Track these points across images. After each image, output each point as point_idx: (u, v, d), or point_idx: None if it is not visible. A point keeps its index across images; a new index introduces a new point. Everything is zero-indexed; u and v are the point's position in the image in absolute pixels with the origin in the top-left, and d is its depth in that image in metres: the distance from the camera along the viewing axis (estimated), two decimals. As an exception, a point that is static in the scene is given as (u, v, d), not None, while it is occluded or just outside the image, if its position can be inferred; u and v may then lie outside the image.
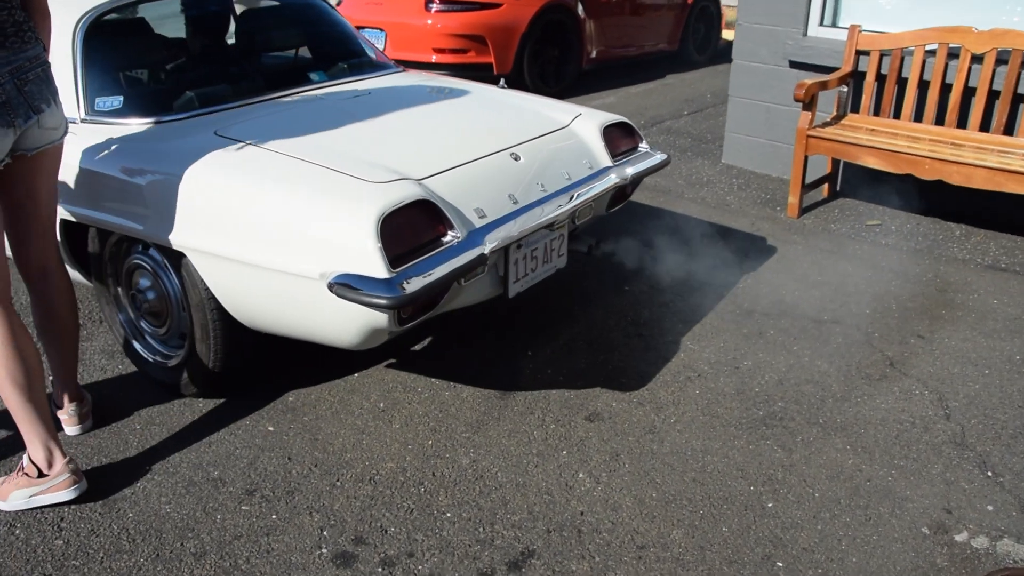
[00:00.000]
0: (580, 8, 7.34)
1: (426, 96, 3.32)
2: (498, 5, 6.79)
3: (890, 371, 3.13)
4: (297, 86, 3.30)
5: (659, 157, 3.38)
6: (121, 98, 2.96)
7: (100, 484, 2.59)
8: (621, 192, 3.34)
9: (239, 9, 3.65)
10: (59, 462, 2.48)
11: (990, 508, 2.48)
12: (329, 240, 2.33)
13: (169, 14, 3.58)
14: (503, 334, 3.41)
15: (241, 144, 2.67)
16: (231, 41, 3.55)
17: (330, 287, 2.29)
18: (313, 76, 3.38)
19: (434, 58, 6.83)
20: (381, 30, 6.99)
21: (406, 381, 3.11)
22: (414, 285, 2.26)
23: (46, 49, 2.40)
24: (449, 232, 2.48)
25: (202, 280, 2.66)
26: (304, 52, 3.75)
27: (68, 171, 2.82)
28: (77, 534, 2.40)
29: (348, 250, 2.30)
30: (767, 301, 3.67)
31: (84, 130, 2.92)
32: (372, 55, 3.78)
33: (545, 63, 7.31)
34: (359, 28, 7.08)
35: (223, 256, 2.53)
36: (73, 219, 2.88)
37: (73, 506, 2.50)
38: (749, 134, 5.46)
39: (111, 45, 3.07)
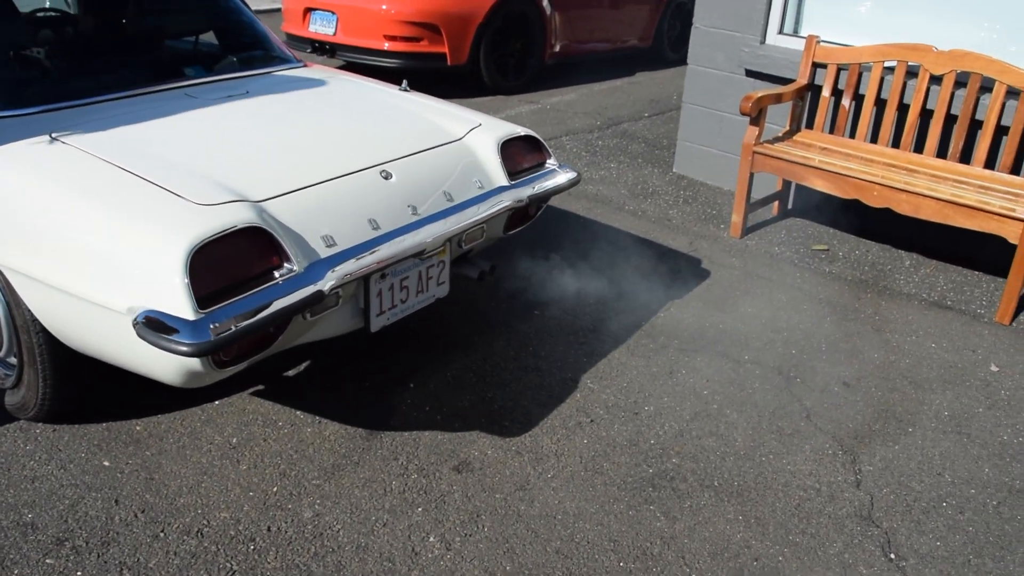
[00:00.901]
0: (545, 0, 6.99)
1: (308, 99, 3.00)
2: (455, -8, 6.46)
3: (804, 424, 2.85)
4: (170, 81, 2.98)
5: (566, 176, 3.07)
6: (-43, 88, 2.65)
7: None
8: (523, 213, 3.04)
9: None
10: None
11: (885, 600, 2.20)
12: (136, 270, 2.03)
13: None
14: (388, 361, 3.11)
15: (69, 149, 2.36)
16: (113, 25, 3.23)
17: (133, 325, 1.99)
18: (189, 71, 3.06)
19: (386, 45, 6.50)
20: (332, 13, 6.65)
21: (268, 413, 2.82)
22: (224, 329, 1.96)
23: None
24: (285, 264, 2.18)
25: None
26: (191, 42, 3.42)
27: None
28: None
29: (154, 284, 2.00)
30: (686, 335, 3.37)
31: (-87, 121, 2.61)
32: (270, 48, 3.46)
33: (505, 56, 6.98)
34: (311, 10, 6.76)
35: (35, 278, 2.23)
36: None
37: None
38: (702, 144, 5.15)
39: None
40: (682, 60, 8.51)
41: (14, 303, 2.43)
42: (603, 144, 5.83)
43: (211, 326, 1.94)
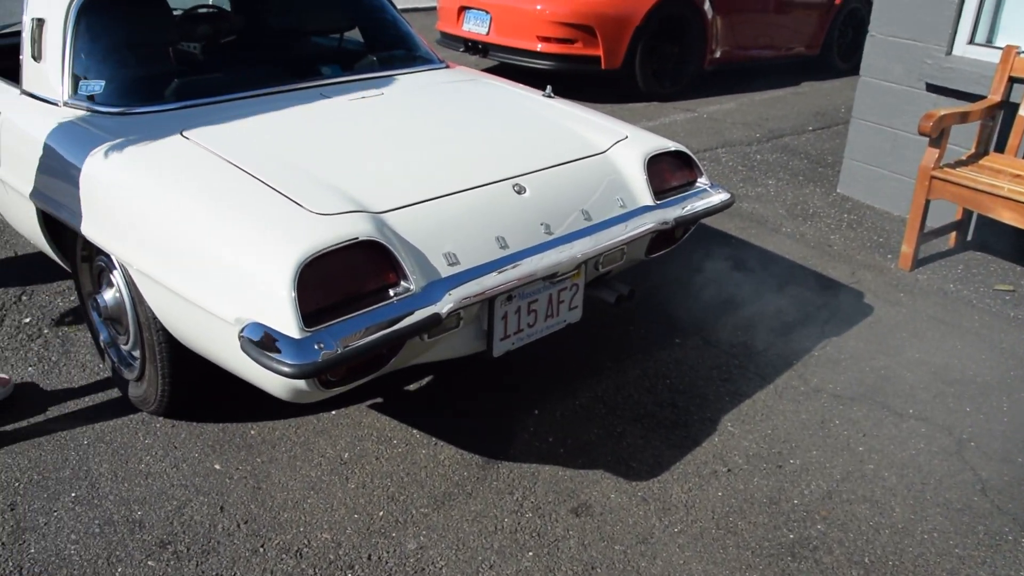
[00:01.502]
0: (707, 3, 6.65)
1: (444, 103, 2.86)
2: (613, -7, 6.23)
3: (978, 500, 2.48)
4: (307, 79, 2.90)
5: (718, 197, 2.81)
6: (102, 83, 2.65)
7: (19, 506, 2.32)
8: (668, 235, 2.79)
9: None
10: None
11: None
12: (245, 280, 1.93)
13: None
14: (513, 383, 2.93)
15: (195, 147, 2.30)
16: (254, 22, 3.19)
17: (239, 337, 1.88)
18: (326, 70, 2.96)
19: (539, 47, 6.34)
20: (486, 12, 6.55)
21: (383, 429, 2.69)
22: (330, 350, 1.82)
23: None
24: (401, 282, 2.02)
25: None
26: (333, 40, 3.35)
27: (42, 157, 2.56)
28: (-31, 567, 2.13)
29: (262, 296, 1.89)
30: (843, 379, 3.04)
31: (61, 115, 2.64)
32: (412, 47, 3.34)
33: (662, 60, 6.68)
34: (465, 9, 6.68)
35: (153, 277, 2.17)
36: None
37: (-23, 530, 2.24)
38: (871, 163, 4.73)
39: (108, 22, 2.77)
40: (853, 70, 7.94)
41: (138, 299, 2.39)
42: (762, 158, 5.47)
43: (316, 346, 1.80)
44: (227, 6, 3.54)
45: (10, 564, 2.14)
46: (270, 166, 2.22)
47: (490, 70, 7.43)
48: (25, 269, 3.64)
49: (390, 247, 2.01)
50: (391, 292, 2.00)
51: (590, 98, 6.67)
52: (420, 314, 1.96)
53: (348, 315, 1.90)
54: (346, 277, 1.95)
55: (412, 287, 2.01)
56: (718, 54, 6.97)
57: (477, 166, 2.40)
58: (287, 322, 1.83)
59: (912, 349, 3.25)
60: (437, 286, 2.04)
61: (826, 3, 7.60)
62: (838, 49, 7.97)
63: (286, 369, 1.77)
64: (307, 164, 2.26)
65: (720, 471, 2.55)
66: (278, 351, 1.80)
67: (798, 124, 6.30)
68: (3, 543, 2.21)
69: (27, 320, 3.23)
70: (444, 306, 2.00)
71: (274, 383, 2.00)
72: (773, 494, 2.47)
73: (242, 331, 1.87)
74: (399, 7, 10.53)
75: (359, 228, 1.99)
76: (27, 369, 2.93)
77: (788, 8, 7.32)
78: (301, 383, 1.92)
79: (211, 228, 2.03)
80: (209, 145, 2.32)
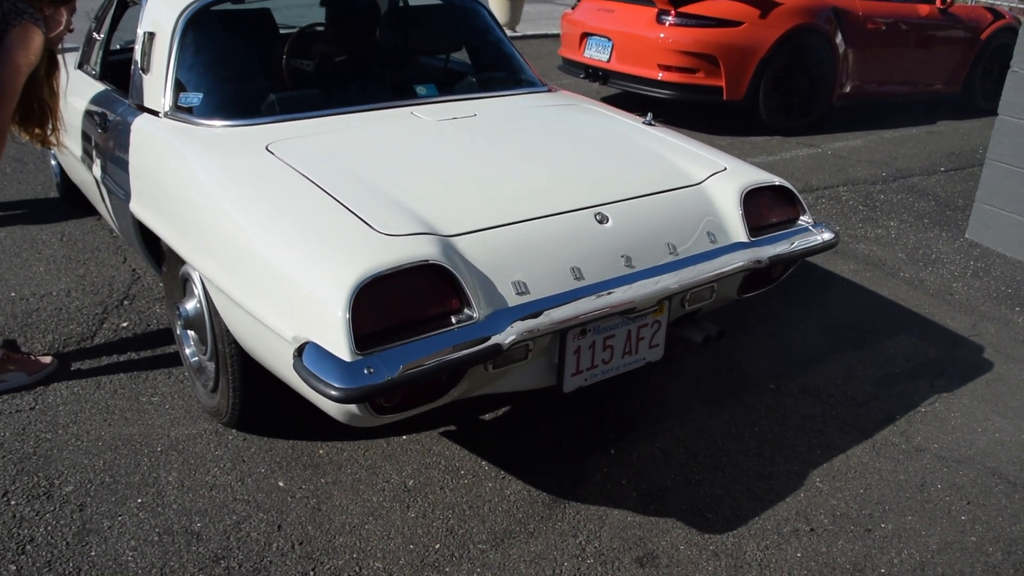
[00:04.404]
0: (839, 36, 6.38)
1: (537, 127, 2.79)
2: (738, 23, 6.03)
3: (1098, 588, 2.21)
4: (401, 99, 2.88)
5: (821, 237, 2.63)
6: (200, 95, 2.71)
7: (88, 507, 2.36)
8: (764, 274, 2.63)
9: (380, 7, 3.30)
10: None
11: None
12: (304, 299, 1.89)
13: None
14: (592, 420, 2.81)
15: (276, 162, 2.31)
16: (355, 42, 3.21)
17: (293, 356, 1.85)
18: (422, 90, 2.94)
19: (660, 75, 6.21)
20: (608, 39, 6.47)
21: (452, 458, 2.62)
22: (379, 376, 1.75)
23: None
24: (464, 309, 1.95)
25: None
26: (434, 60, 3.33)
27: (137, 165, 2.64)
28: (34, 562, 2.18)
29: (318, 316, 1.85)
30: (951, 439, 2.79)
31: (161, 125, 2.71)
32: (514, 70, 3.28)
33: (787, 93, 6.43)
34: (587, 35, 6.63)
35: (223, 289, 2.17)
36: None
37: (48, 528, 2.27)
38: (1006, 208, 4.39)
39: (211, 38, 2.84)
40: (996, 110, 7.49)
41: (213, 312, 2.40)
42: (885, 199, 5.17)
43: (365, 370, 1.75)
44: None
45: (71, 565, 2.17)
46: (345, 184, 2.20)
47: (611, 98, 7.35)
48: (131, 275, 3.76)
49: (455, 272, 1.94)
50: (453, 319, 1.93)
51: (710, 130, 6.49)
52: (479, 344, 1.88)
53: (404, 340, 1.83)
54: (406, 301, 1.89)
55: (475, 315, 1.93)
56: (848, 88, 6.67)
57: (559, 193, 2.31)
58: (339, 344, 1.78)
59: (1036, 414, 2.96)
60: (502, 315, 1.96)
61: (970, 39, 7.18)
62: (981, 87, 7.51)
63: (332, 392, 1.73)
64: (384, 183, 2.23)
65: (802, 530, 2.36)
66: (327, 373, 1.75)
67: (929, 164, 5.95)
68: (68, 543, 2.24)
69: (124, 324, 3.33)
70: (506, 337, 1.91)
71: (328, 405, 1.96)
72: (858, 560, 2.26)
73: (295, 351, 1.84)
74: (527, 33, 10.59)
75: (423, 251, 1.93)
76: (117, 373, 3.00)
77: (928, 43, 6.94)
78: (352, 407, 1.87)
79: (276, 243, 2.02)
80: (289, 160, 2.32)
